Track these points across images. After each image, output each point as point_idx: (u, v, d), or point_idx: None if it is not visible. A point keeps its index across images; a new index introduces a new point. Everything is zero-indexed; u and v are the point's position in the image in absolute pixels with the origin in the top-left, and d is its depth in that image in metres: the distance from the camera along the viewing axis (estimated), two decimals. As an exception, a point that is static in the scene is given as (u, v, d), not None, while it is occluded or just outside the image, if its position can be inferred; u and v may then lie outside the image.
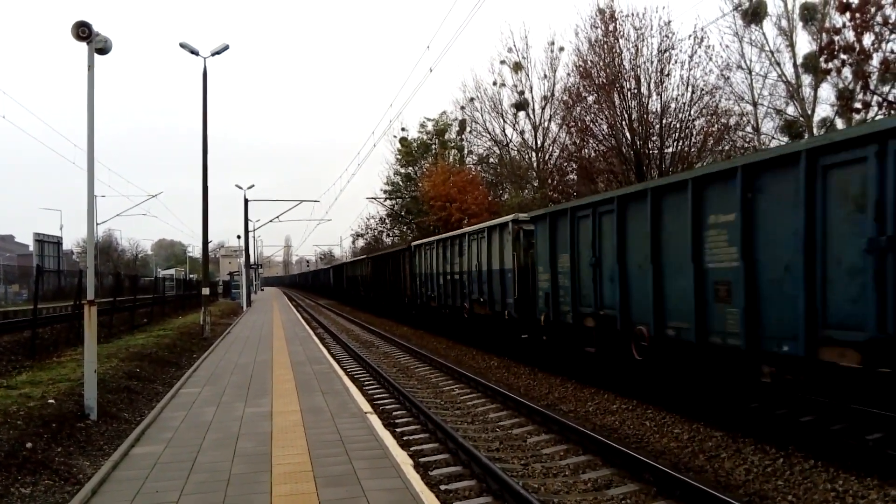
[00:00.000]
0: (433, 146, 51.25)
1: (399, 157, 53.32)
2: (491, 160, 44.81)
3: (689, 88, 25.96)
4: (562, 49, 37.67)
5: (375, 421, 9.29)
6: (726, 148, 26.38)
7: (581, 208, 12.90)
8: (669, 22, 26.63)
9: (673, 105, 26.28)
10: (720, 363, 9.39)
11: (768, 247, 8.24)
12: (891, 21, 16.61)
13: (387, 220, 56.75)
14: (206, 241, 28.99)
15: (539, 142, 40.08)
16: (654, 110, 26.67)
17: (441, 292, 23.41)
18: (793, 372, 8.24)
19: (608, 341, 12.12)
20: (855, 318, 7.08)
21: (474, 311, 19.65)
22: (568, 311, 13.43)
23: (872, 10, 16.28)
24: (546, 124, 39.59)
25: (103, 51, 10.29)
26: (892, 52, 17.31)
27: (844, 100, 21.08)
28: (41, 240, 57.42)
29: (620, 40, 27.68)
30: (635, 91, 26.83)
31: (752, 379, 8.78)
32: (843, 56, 17.36)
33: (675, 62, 26.20)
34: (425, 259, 25.71)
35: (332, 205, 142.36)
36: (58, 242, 62.35)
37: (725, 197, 8.87)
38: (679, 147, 26.38)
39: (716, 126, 26.42)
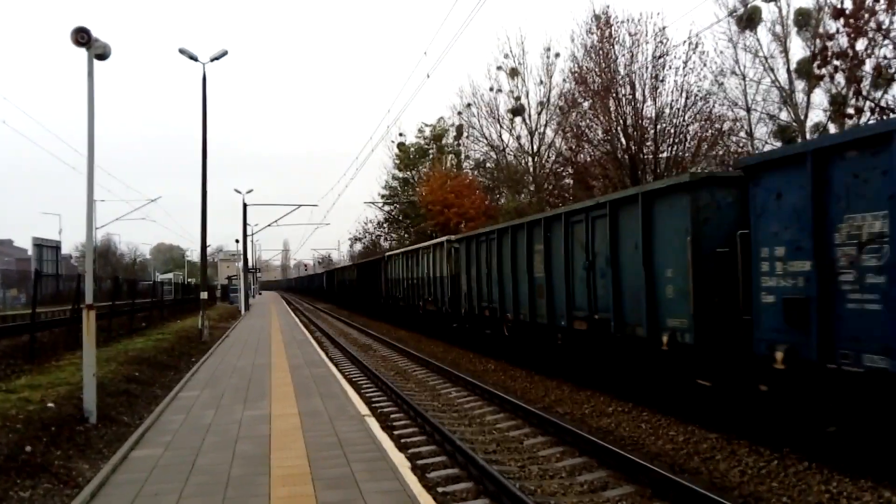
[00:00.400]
0: (431, 151, 51.37)
1: (397, 161, 53.45)
2: (488, 165, 44.90)
3: (684, 94, 26.11)
4: (557, 55, 37.78)
5: (373, 423, 9.34)
6: (720, 153, 26.52)
7: (480, 236, 18.85)
8: (664, 28, 26.71)
9: (667, 110, 26.41)
10: (541, 334, 14.91)
11: (555, 265, 13.77)
12: (884, 27, 16.74)
13: (384, 225, 56.86)
14: (204, 246, 29.04)
15: (535, 147, 40.19)
16: (648, 116, 26.79)
17: (405, 293, 29.80)
18: (565, 336, 13.67)
19: (494, 325, 17.83)
20: (583, 305, 12.62)
21: (426, 307, 25.68)
22: (476, 305, 19.24)
23: (866, 15, 16.39)
24: (542, 129, 39.69)
25: (102, 56, 10.35)
26: (884, 57, 17.43)
27: (837, 105, 21.21)
28: (40, 244, 57.34)
29: (615, 46, 27.83)
30: (630, 97, 26.93)
31: (554, 342, 14.16)
32: (836, 62, 17.44)
33: (670, 68, 26.34)
34: (395, 267, 32.00)
35: (330, 209, 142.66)
36: (56, 247, 62.25)
37: (539, 235, 14.44)
38: (674, 152, 26.51)
39: (710, 131, 26.54)
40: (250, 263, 61.84)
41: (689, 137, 26.50)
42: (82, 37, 10.04)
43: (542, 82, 39.07)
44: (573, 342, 13.48)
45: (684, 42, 27.02)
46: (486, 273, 17.93)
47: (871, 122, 17.44)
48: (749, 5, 26.74)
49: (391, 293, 33.04)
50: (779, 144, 26.60)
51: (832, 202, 7.31)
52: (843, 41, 17.14)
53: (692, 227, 9.32)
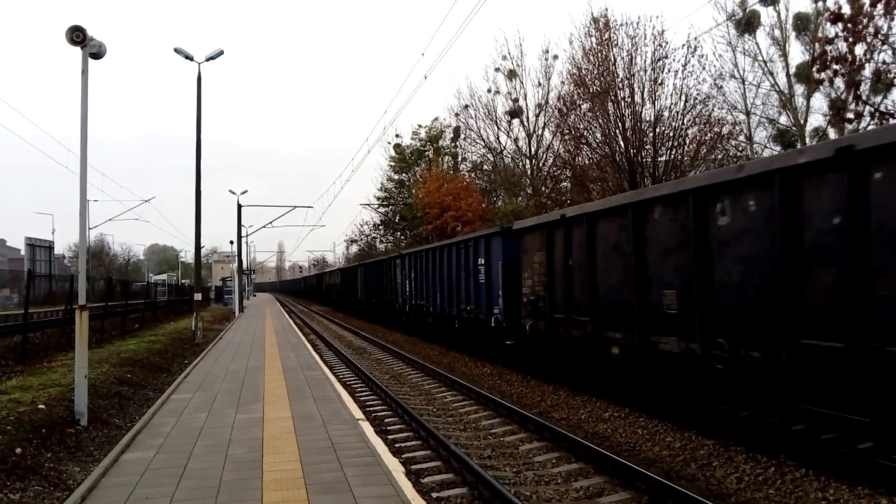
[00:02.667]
0: (427, 153, 51.30)
1: (393, 163, 53.34)
2: (485, 167, 44.86)
3: (683, 97, 26.12)
4: (556, 57, 37.88)
5: (367, 428, 9.26)
6: (719, 157, 26.50)
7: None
8: (663, 31, 26.73)
9: (666, 114, 26.42)
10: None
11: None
12: (882, 32, 16.75)
13: (380, 227, 56.73)
14: (198, 247, 28.87)
15: (533, 149, 40.20)
16: (647, 119, 26.79)
17: (330, 290, 60.06)
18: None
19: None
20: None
21: (333, 296, 55.77)
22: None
23: (864, 20, 16.41)
24: (540, 132, 39.76)
25: (97, 55, 10.27)
26: (883, 62, 17.46)
27: (836, 109, 21.22)
28: (33, 244, 57.26)
29: (614, 49, 27.83)
30: (629, 99, 26.93)
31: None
32: (835, 66, 17.46)
33: (669, 71, 26.37)
34: (328, 278, 63.58)
35: (325, 211, 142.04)
36: (49, 247, 62.15)
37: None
38: (672, 156, 26.49)
39: (709, 135, 26.55)
40: (245, 265, 61.62)
41: (687, 141, 26.51)
42: (77, 35, 9.97)
43: (540, 84, 39.22)
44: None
45: (683, 45, 27.07)
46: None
47: (870, 127, 17.45)
48: (748, 9, 26.77)
49: (328, 291, 63.81)
50: (778, 148, 26.63)
51: None
52: (842, 46, 17.16)
53: None
